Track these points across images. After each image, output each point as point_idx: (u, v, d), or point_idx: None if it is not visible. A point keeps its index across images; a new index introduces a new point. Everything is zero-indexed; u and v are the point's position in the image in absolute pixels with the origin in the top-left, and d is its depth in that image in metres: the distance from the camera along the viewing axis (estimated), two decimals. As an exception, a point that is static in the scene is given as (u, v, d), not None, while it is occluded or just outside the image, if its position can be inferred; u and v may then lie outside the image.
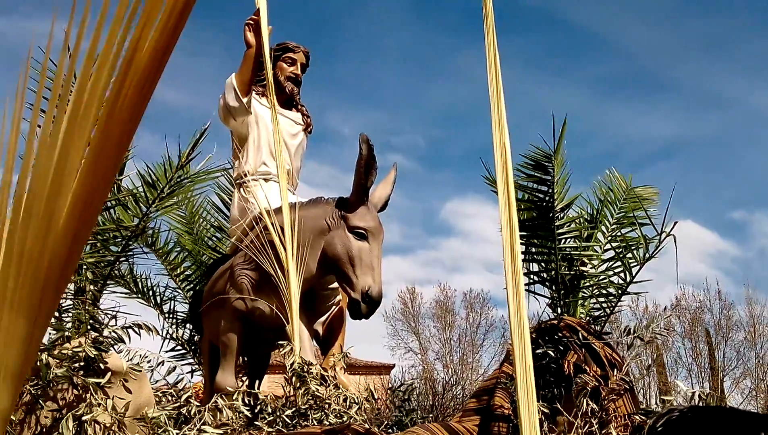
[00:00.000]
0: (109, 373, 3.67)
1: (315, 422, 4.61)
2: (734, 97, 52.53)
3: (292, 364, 4.91)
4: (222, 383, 5.42)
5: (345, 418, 4.69)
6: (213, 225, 7.88)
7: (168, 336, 7.69)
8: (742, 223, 51.95)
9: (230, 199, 7.46)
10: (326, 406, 4.76)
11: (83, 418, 3.49)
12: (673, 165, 51.29)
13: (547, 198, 5.20)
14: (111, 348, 3.80)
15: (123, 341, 4.00)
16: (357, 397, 5.06)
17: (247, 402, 4.69)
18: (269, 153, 6.16)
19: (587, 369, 4.50)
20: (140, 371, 3.95)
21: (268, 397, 4.99)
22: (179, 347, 7.85)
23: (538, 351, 4.63)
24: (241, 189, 6.09)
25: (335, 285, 5.88)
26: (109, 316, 4.35)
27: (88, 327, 4.09)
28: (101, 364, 3.64)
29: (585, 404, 4.39)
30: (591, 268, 5.15)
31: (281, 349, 5.16)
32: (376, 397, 6.01)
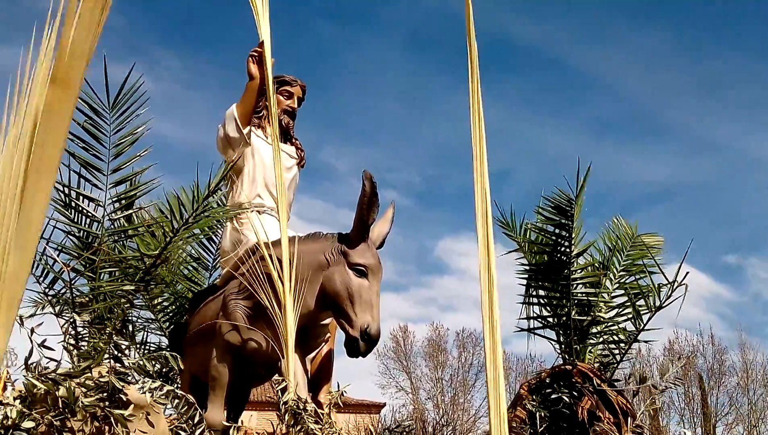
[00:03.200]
0: (131, 406, 4.01)
1: (311, 461, 4.95)
2: (728, 141, 54.46)
3: (286, 402, 5.25)
4: (212, 419, 5.66)
5: (341, 458, 5.03)
6: (190, 254, 8.10)
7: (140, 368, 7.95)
8: (736, 267, 53.33)
9: (210, 230, 7.78)
10: (322, 445, 5.09)
11: (106, 451, 3.84)
12: (666, 208, 52.78)
13: (564, 242, 5.53)
14: (133, 379, 4.13)
15: (147, 373, 4.32)
16: None
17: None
18: (264, 185, 6.48)
19: (601, 416, 4.89)
20: (164, 404, 4.29)
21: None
22: (148, 379, 8.09)
23: (553, 396, 5.03)
24: (234, 220, 6.35)
25: (327, 321, 6.17)
26: (125, 346, 4.70)
27: (105, 356, 4.40)
28: (123, 396, 3.98)
29: (599, 452, 4.80)
30: (600, 314, 5.54)
31: (276, 385, 5.48)
32: (375, 435, 6.35)
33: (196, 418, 4.77)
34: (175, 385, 6.90)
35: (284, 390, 5.30)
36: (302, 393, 5.50)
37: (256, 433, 5.55)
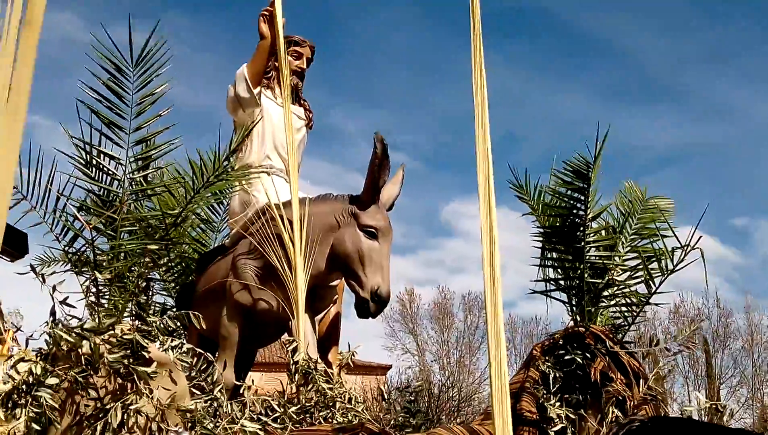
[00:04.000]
0: (154, 363, 4.19)
1: (321, 420, 5.10)
2: (739, 107, 54.73)
3: (296, 362, 5.37)
4: (223, 378, 5.85)
5: (350, 416, 5.17)
6: (198, 216, 8.17)
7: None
8: (744, 230, 53.66)
9: (221, 193, 7.86)
10: (332, 404, 5.24)
11: (131, 407, 4.02)
12: (677, 171, 53.09)
13: (580, 206, 5.63)
14: (157, 338, 4.30)
15: (170, 331, 4.48)
16: (360, 397, 5.54)
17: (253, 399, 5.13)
18: (273, 147, 6.58)
19: (613, 377, 5.06)
20: (187, 363, 4.46)
21: (274, 395, 5.44)
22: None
23: (566, 357, 5.19)
24: (243, 181, 6.42)
25: (335, 283, 6.32)
26: (152, 305, 4.86)
27: (126, 314, 4.56)
28: (146, 353, 4.16)
29: (611, 412, 4.99)
30: (614, 277, 5.67)
31: (286, 346, 5.63)
32: (385, 397, 6.53)
33: (215, 376, 4.94)
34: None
35: (295, 350, 5.44)
36: (313, 353, 5.61)
37: (267, 392, 5.68)
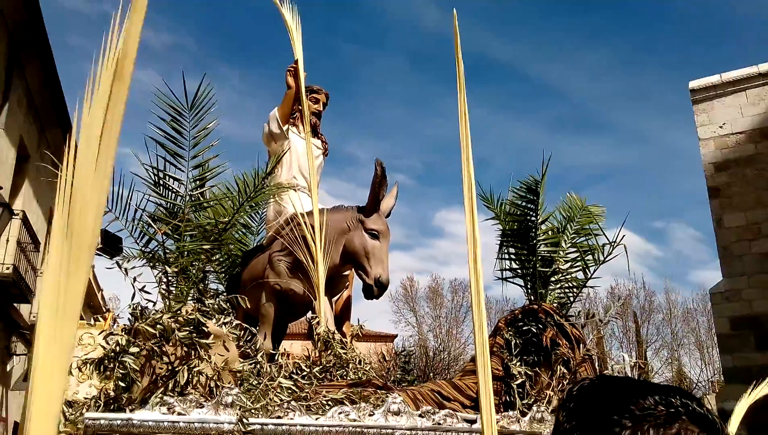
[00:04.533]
0: (211, 336, 4.30)
1: (338, 377, 5.24)
2: (652, 135, 57.36)
3: (318, 333, 5.57)
4: (263, 347, 6.00)
5: (360, 374, 5.31)
6: (239, 222, 8.27)
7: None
8: (662, 230, 55.52)
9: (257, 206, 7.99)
10: (347, 365, 5.38)
11: (194, 369, 4.13)
12: (607, 185, 55.45)
13: (532, 213, 5.85)
14: (213, 316, 4.40)
15: (223, 312, 4.58)
16: (368, 359, 5.68)
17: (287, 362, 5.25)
18: (298, 170, 6.77)
19: (560, 343, 5.18)
20: (237, 335, 4.57)
21: (300, 358, 5.57)
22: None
23: (524, 328, 5.32)
24: (276, 196, 6.66)
25: (347, 272, 6.49)
26: (208, 291, 4.98)
27: (189, 298, 4.66)
28: (204, 328, 4.27)
29: (559, 370, 5.13)
30: (559, 267, 5.82)
31: (313, 320, 5.81)
32: (387, 359, 6.64)
33: (257, 345, 5.06)
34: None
35: (317, 324, 5.67)
36: (331, 326, 5.78)
37: (297, 357, 5.81)
